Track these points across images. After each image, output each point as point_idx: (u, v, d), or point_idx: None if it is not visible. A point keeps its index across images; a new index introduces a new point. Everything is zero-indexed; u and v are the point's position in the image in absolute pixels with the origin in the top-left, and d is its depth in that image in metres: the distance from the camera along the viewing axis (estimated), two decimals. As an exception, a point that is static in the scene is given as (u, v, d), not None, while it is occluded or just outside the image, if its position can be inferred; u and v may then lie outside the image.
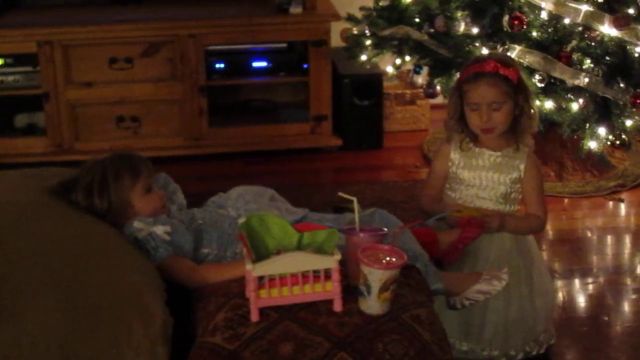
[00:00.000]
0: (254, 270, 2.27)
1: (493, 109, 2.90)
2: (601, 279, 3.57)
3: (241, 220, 2.68)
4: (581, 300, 3.45)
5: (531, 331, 3.02)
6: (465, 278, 2.83)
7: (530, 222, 3.01)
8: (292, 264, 2.29)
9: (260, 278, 2.30)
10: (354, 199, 2.47)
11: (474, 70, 2.94)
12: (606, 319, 3.32)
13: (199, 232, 2.78)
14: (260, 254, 2.34)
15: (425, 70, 4.48)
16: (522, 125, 2.97)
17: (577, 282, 3.57)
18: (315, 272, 2.31)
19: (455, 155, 3.03)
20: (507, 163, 2.97)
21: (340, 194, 2.53)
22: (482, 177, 2.99)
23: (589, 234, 3.96)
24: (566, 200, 4.20)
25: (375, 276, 2.27)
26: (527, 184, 2.99)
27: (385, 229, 2.49)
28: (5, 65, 4.59)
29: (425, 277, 2.64)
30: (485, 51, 3.96)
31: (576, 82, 3.83)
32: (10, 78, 4.57)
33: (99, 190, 2.76)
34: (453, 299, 2.80)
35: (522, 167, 2.98)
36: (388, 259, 2.31)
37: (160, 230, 2.70)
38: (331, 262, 2.29)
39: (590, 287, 3.52)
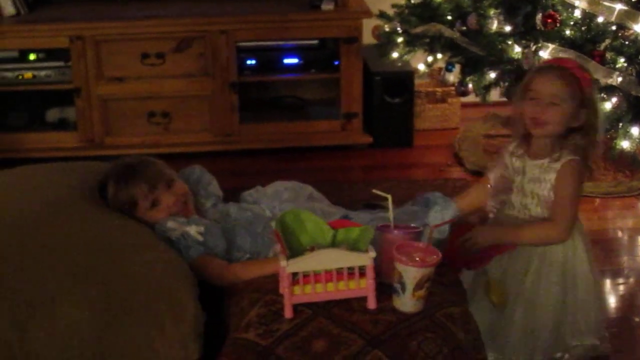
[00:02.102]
0: (288, 266, 2.27)
1: (552, 102, 2.71)
2: (632, 280, 3.55)
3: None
4: (612, 301, 3.43)
5: (561, 340, 2.86)
6: None
7: (538, 231, 2.82)
8: (326, 260, 2.29)
9: (294, 274, 2.30)
10: (389, 196, 2.47)
11: (550, 62, 2.88)
12: (637, 320, 3.29)
13: (233, 234, 2.78)
14: (294, 251, 2.34)
15: (457, 68, 4.47)
16: (575, 141, 2.76)
17: (608, 282, 3.55)
18: (350, 269, 2.31)
19: (508, 159, 2.92)
20: (546, 170, 2.80)
21: (375, 191, 2.53)
22: (525, 186, 2.85)
23: (620, 235, 3.94)
24: (597, 201, 4.17)
25: (410, 274, 2.27)
26: (557, 191, 2.78)
27: (420, 227, 2.49)
28: (37, 60, 4.61)
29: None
30: (517, 49, 3.95)
31: (609, 81, 3.80)
32: (42, 73, 4.59)
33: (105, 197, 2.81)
34: None
35: (553, 176, 2.79)
36: (423, 256, 2.30)
37: (193, 230, 2.70)
38: (365, 259, 2.29)
39: (621, 287, 3.50)
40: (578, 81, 2.71)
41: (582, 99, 2.71)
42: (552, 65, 2.79)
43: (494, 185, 3.00)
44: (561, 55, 3.79)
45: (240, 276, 2.62)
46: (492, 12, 4.04)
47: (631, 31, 3.78)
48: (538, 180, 2.80)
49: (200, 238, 2.69)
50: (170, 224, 2.73)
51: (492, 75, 4.14)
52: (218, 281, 2.65)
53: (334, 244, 2.39)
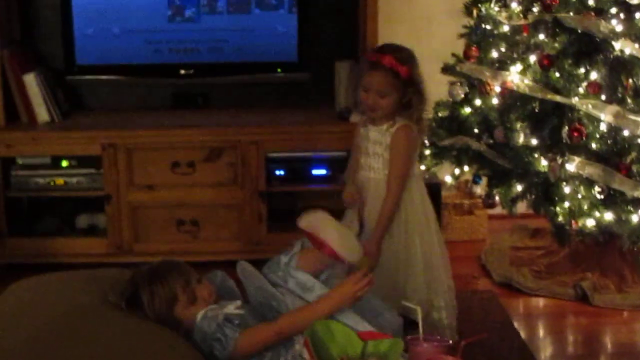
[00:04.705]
0: (317, 377, 2.27)
1: (380, 95, 3.45)
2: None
3: None
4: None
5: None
6: None
7: (386, 210, 3.50)
8: (356, 372, 2.29)
9: (324, 385, 2.30)
10: (418, 308, 2.48)
11: (373, 58, 3.48)
12: None
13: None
14: (324, 361, 2.34)
15: (484, 180, 4.49)
16: (410, 111, 3.51)
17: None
18: (379, 381, 2.31)
19: (359, 129, 3.67)
20: (384, 134, 3.53)
21: (404, 302, 2.54)
22: (370, 149, 3.57)
23: (649, 348, 3.91)
24: (625, 313, 4.14)
25: (439, 387, 2.27)
26: (391, 151, 3.51)
27: (450, 340, 2.49)
28: (69, 166, 4.67)
29: None
30: (544, 162, 3.97)
31: (636, 193, 3.82)
32: (74, 179, 4.65)
33: (139, 306, 2.80)
34: None
35: (390, 137, 3.52)
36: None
37: (231, 308, 2.73)
38: (395, 371, 2.29)
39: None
40: (397, 74, 3.42)
41: (405, 83, 3.45)
42: (376, 64, 3.45)
43: (353, 155, 3.73)
44: (587, 168, 3.83)
45: (292, 325, 2.72)
46: (518, 125, 4.08)
47: (657, 145, 3.82)
48: (379, 143, 3.55)
49: (241, 311, 2.72)
50: (209, 312, 2.74)
51: (519, 187, 4.16)
52: (271, 339, 2.72)
53: (363, 356, 2.39)
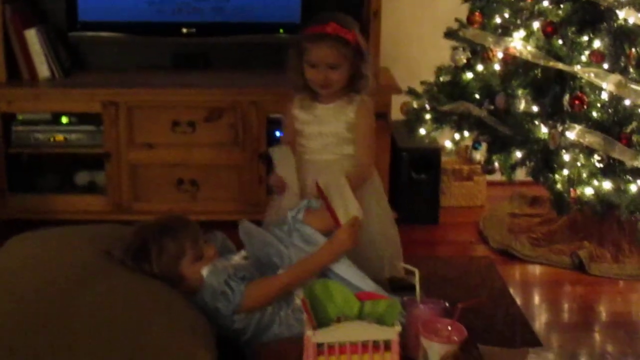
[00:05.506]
0: (314, 336, 2.29)
1: (330, 68, 3.28)
2: (656, 364, 3.53)
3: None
4: (635, 386, 3.41)
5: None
6: (511, 355, 2.84)
7: (359, 176, 3.38)
8: (352, 332, 2.30)
9: (320, 345, 2.31)
10: (416, 270, 2.49)
11: (315, 30, 3.30)
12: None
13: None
14: (321, 321, 2.35)
15: (483, 146, 4.48)
16: (358, 84, 3.37)
17: (631, 366, 3.53)
18: (375, 342, 2.32)
19: (297, 112, 3.44)
20: (340, 111, 3.39)
21: (402, 265, 2.56)
22: (322, 129, 3.40)
23: (644, 318, 3.93)
24: (622, 283, 4.15)
25: (435, 350, 2.28)
26: (357, 128, 3.38)
27: (447, 303, 2.50)
28: (69, 123, 4.67)
29: None
30: (544, 130, 3.97)
31: (635, 163, 3.82)
32: (74, 136, 4.65)
33: (145, 260, 2.80)
34: None
35: (352, 114, 3.38)
36: (448, 333, 2.31)
37: (236, 259, 2.76)
38: (391, 333, 2.30)
39: (645, 372, 3.49)
40: (345, 41, 3.20)
41: (354, 51, 3.29)
42: (320, 34, 3.28)
43: (286, 139, 3.61)
44: (587, 137, 3.82)
45: (296, 278, 2.79)
46: (520, 92, 4.07)
47: (658, 115, 3.82)
48: (332, 122, 3.39)
49: (245, 261, 2.74)
50: (217, 265, 2.76)
51: (519, 154, 4.16)
52: (276, 293, 2.77)
53: (360, 316, 2.41)
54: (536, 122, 4.02)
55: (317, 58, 3.29)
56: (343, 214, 2.95)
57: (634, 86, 3.80)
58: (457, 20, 4.49)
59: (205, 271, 2.77)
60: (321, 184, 3.01)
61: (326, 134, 3.42)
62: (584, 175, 3.90)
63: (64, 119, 4.67)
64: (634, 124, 3.86)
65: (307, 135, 3.47)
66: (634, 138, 3.83)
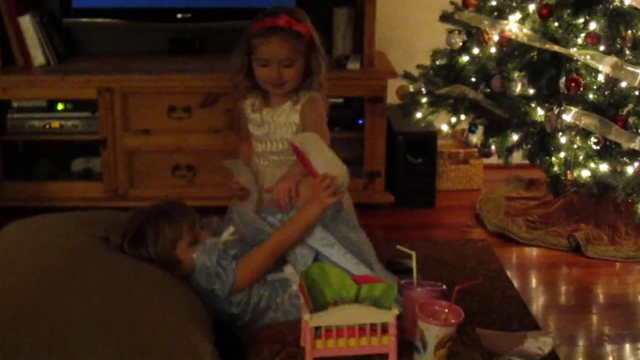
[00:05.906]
0: (311, 320, 2.29)
1: (284, 65, 3.05)
2: (653, 345, 3.54)
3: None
4: (632, 366, 3.42)
5: None
6: (509, 338, 2.83)
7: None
8: (349, 316, 2.30)
9: (317, 328, 2.31)
10: (413, 253, 2.49)
11: (265, 24, 3.03)
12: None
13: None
14: (317, 304, 2.36)
15: (480, 129, 4.49)
16: (310, 82, 3.15)
17: (627, 347, 3.53)
18: (372, 325, 2.32)
19: (249, 113, 3.23)
20: (287, 116, 3.16)
21: (399, 247, 2.55)
22: (277, 134, 3.18)
23: (641, 300, 3.93)
24: (618, 265, 4.16)
25: (432, 332, 2.27)
26: (306, 126, 3.12)
27: (444, 286, 2.50)
28: (65, 110, 4.66)
29: None
30: (540, 112, 3.97)
31: (631, 145, 3.82)
32: (70, 123, 4.64)
33: (141, 244, 2.80)
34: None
35: (297, 116, 3.14)
36: (446, 315, 2.31)
37: (225, 235, 2.75)
38: (388, 316, 2.30)
39: (642, 352, 3.49)
40: (297, 34, 3.01)
41: (308, 46, 3.05)
42: (271, 28, 3.01)
43: (243, 142, 3.41)
44: (583, 119, 3.81)
45: (283, 241, 2.76)
46: (516, 75, 4.07)
47: (655, 96, 3.81)
48: (287, 125, 3.15)
49: (236, 236, 2.73)
50: (207, 245, 2.76)
51: (515, 137, 4.16)
52: (266, 261, 2.77)
53: (357, 299, 2.41)
54: (532, 105, 4.01)
55: (269, 54, 3.05)
56: (324, 167, 2.83)
57: (630, 68, 3.79)
58: (452, 3, 4.48)
59: (197, 253, 2.77)
60: (296, 142, 2.91)
61: (277, 140, 3.24)
62: (581, 157, 3.90)
63: (60, 106, 4.67)
64: (630, 106, 3.86)
65: (258, 137, 3.30)
66: (630, 120, 3.82)
